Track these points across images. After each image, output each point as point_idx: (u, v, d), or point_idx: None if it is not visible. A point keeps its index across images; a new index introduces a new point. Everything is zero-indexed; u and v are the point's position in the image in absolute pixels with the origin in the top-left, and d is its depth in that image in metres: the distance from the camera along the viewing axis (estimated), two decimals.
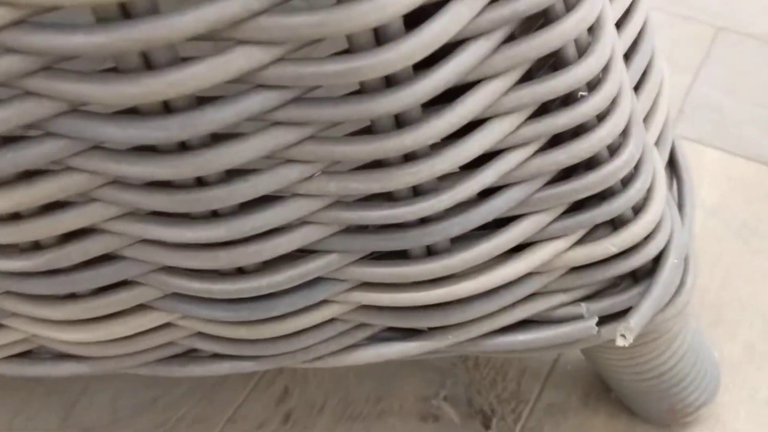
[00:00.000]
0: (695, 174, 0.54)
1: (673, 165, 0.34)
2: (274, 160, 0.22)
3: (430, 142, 0.23)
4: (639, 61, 0.30)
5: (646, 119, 0.31)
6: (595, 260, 0.29)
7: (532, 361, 0.45)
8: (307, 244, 0.25)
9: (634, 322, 0.29)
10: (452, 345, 0.31)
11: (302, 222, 0.25)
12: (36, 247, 0.25)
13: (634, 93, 0.29)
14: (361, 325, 0.30)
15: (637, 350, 0.35)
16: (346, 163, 0.23)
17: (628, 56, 0.30)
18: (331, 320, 0.30)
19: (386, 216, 0.25)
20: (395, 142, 0.23)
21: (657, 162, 0.30)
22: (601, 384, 0.43)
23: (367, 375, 0.45)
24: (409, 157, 0.24)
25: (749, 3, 0.67)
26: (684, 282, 0.32)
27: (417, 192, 0.25)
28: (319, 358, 0.31)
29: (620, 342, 0.29)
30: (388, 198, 0.26)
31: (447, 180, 0.25)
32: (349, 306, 0.29)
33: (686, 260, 0.33)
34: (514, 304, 0.30)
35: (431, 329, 0.30)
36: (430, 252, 0.27)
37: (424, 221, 0.26)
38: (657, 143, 0.32)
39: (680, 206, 0.32)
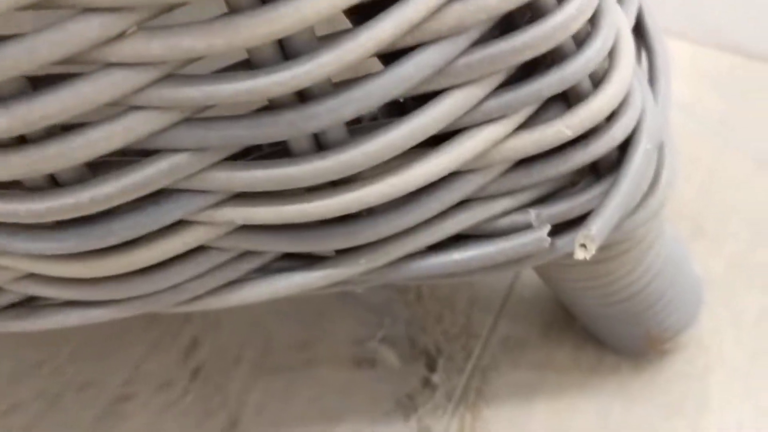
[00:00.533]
0: None
1: (640, 32, 0.27)
2: None
3: None
4: None
5: None
6: (545, 149, 0.22)
7: (483, 289, 0.38)
8: (140, 138, 0.18)
9: (597, 228, 0.22)
10: (369, 272, 0.24)
11: (130, 107, 0.18)
12: None
13: None
14: (245, 254, 0.23)
15: (604, 267, 0.28)
16: None
17: None
18: (202, 248, 0.22)
19: (251, 88, 0.18)
20: None
21: (621, 19, 0.23)
22: (564, 312, 0.37)
23: (291, 317, 0.38)
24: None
25: None
26: (659, 176, 0.25)
27: (287, 52, 0.18)
28: (197, 298, 0.24)
29: (580, 254, 0.23)
30: (246, 66, 0.18)
31: (329, 37, 0.18)
32: (222, 228, 0.22)
33: (661, 149, 0.26)
34: (442, 214, 0.23)
35: (339, 253, 0.23)
36: (320, 145, 0.20)
37: (303, 97, 0.19)
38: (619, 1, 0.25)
39: (652, 81, 0.25)
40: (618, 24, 0.23)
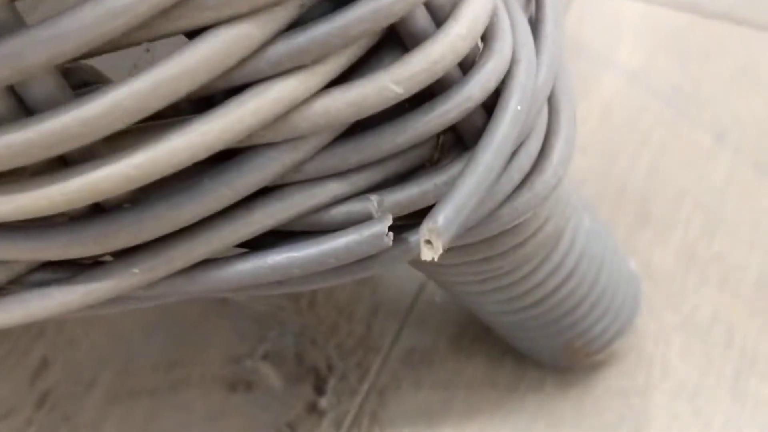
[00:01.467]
0: (611, 32, 0.42)
1: None
2: None
3: None
4: None
5: None
6: (369, 112, 0.16)
7: (389, 291, 0.32)
8: None
9: (445, 216, 0.16)
10: (152, 284, 0.18)
11: None
12: None
13: None
14: None
15: (495, 265, 0.22)
16: None
17: None
18: None
19: None
20: None
21: None
22: (479, 319, 0.31)
23: (157, 331, 0.32)
24: None
25: None
26: (549, 149, 0.19)
27: None
28: None
29: (426, 254, 0.17)
30: None
31: None
32: None
33: (554, 114, 0.20)
34: (244, 205, 0.17)
35: (109, 260, 0.18)
36: (25, 107, 0.14)
37: None
38: None
39: (535, 23, 0.19)
40: None
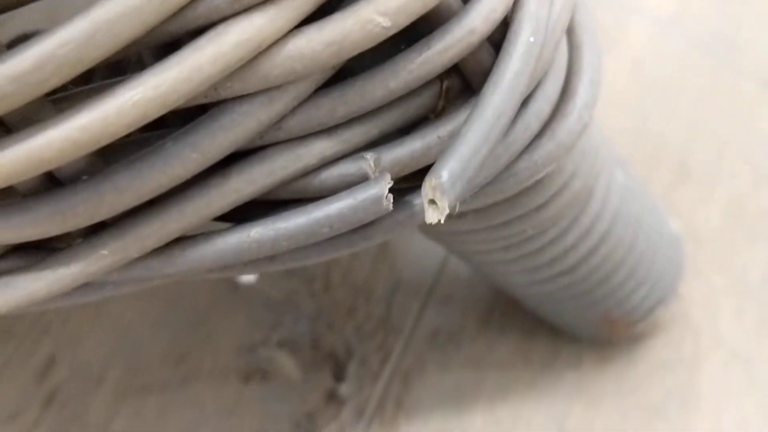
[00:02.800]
0: None
1: None
2: None
3: None
4: None
5: None
6: (353, 53, 0.14)
7: (408, 269, 0.30)
8: None
9: (449, 170, 0.14)
10: (123, 267, 0.16)
11: None
12: None
13: None
14: None
15: (517, 230, 0.20)
16: None
17: None
18: None
19: None
20: None
21: None
22: (508, 293, 0.28)
23: (165, 324, 0.30)
24: None
25: None
26: (572, 88, 0.17)
27: None
28: None
29: (431, 216, 0.14)
30: None
31: None
32: None
33: (575, 48, 0.17)
34: (221, 173, 0.15)
35: (74, 242, 0.16)
36: None
37: None
38: None
39: None
40: None
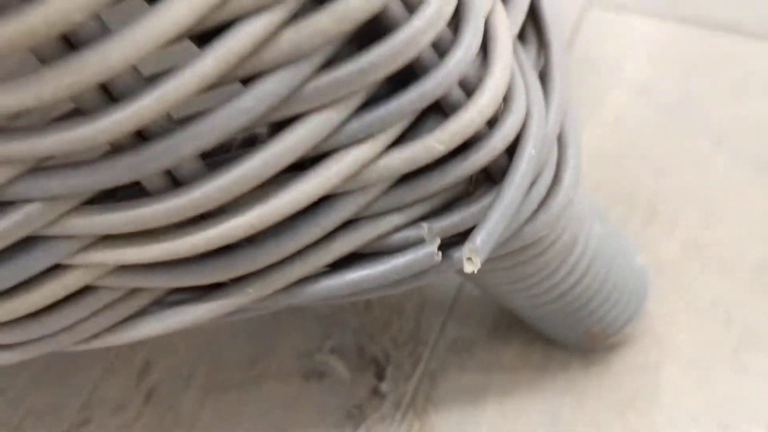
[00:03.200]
0: (619, 48, 0.46)
1: (536, 23, 0.26)
2: None
3: None
4: None
5: None
6: (420, 165, 0.22)
7: (432, 291, 0.38)
8: None
9: (481, 240, 0.22)
10: (261, 299, 0.23)
11: None
12: None
13: None
14: (134, 291, 0.23)
15: (522, 270, 0.27)
16: None
17: None
18: (88, 289, 0.22)
19: (68, 139, 0.17)
20: None
21: (496, 17, 0.22)
22: (512, 312, 0.36)
23: (241, 334, 0.38)
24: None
25: None
26: (560, 179, 0.24)
27: (113, 95, 0.18)
28: (94, 337, 0.24)
29: (468, 268, 0.22)
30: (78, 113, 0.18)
31: (157, 76, 0.18)
32: (99, 269, 0.22)
33: (563, 149, 0.25)
34: (328, 237, 0.22)
35: (227, 283, 0.23)
36: (176, 181, 0.20)
37: (143, 136, 0.18)
38: None
39: (544, 78, 0.25)
40: (491, 24, 0.22)
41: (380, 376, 0.35)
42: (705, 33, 0.46)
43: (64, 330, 0.23)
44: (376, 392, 0.35)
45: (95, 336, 0.24)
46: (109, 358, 0.38)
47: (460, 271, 0.24)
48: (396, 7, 0.19)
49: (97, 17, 0.16)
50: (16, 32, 0.15)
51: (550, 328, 0.33)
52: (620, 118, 0.43)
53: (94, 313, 0.23)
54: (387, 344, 0.36)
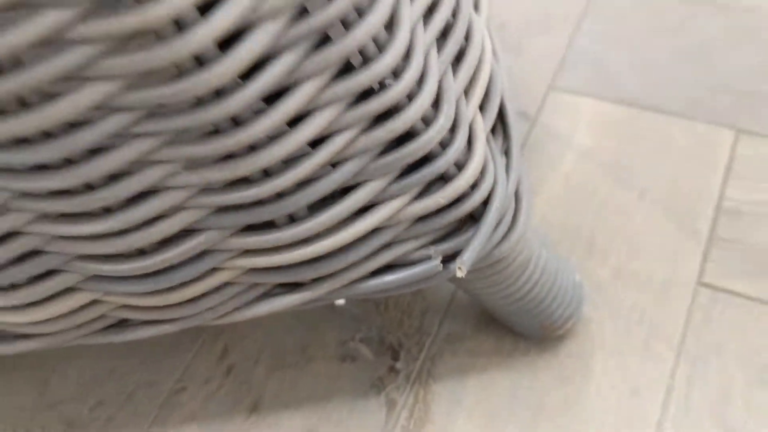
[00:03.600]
0: (572, 122, 0.61)
1: (502, 117, 0.41)
2: (141, 163, 0.29)
3: (264, 135, 0.30)
4: (454, 42, 0.37)
5: (469, 89, 0.38)
6: (431, 211, 0.36)
7: (433, 298, 0.52)
8: (186, 226, 0.32)
9: (466, 256, 0.36)
10: (330, 292, 0.38)
11: (178, 208, 0.32)
12: None
13: (451, 69, 0.36)
14: (253, 285, 0.37)
15: (495, 278, 0.42)
16: (201, 159, 0.30)
17: (445, 34, 0.37)
18: (227, 283, 0.37)
19: (246, 196, 0.32)
20: (235, 139, 0.29)
21: (477, 124, 0.37)
22: (490, 313, 0.50)
23: (294, 327, 0.52)
24: (253, 148, 0.31)
25: None
26: (516, 221, 0.39)
27: (267, 173, 0.32)
28: (226, 314, 0.38)
29: (459, 274, 0.36)
30: (246, 181, 0.32)
31: (291, 162, 0.32)
32: (237, 271, 0.36)
33: (518, 201, 0.40)
34: (374, 253, 0.37)
35: (311, 281, 0.37)
36: (293, 219, 0.34)
37: (279, 196, 0.33)
38: (482, 108, 0.39)
39: (506, 155, 0.39)
40: (473, 128, 0.37)
41: (395, 358, 0.49)
42: (636, 112, 0.61)
43: (209, 309, 0.37)
44: (392, 369, 0.49)
45: (226, 314, 0.38)
46: (197, 344, 0.52)
47: (454, 278, 0.38)
48: (418, 125, 0.34)
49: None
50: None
51: (516, 321, 0.47)
52: (570, 175, 0.57)
53: (228, 300, 0.37)
54: (400, 336, 0.50)
